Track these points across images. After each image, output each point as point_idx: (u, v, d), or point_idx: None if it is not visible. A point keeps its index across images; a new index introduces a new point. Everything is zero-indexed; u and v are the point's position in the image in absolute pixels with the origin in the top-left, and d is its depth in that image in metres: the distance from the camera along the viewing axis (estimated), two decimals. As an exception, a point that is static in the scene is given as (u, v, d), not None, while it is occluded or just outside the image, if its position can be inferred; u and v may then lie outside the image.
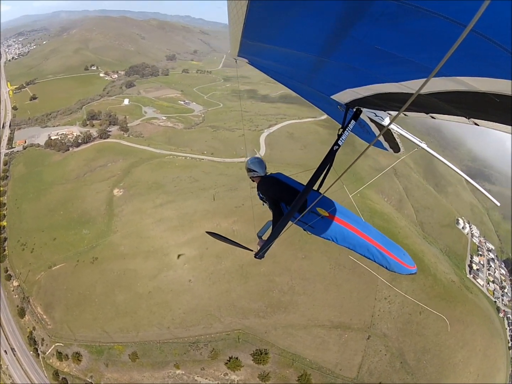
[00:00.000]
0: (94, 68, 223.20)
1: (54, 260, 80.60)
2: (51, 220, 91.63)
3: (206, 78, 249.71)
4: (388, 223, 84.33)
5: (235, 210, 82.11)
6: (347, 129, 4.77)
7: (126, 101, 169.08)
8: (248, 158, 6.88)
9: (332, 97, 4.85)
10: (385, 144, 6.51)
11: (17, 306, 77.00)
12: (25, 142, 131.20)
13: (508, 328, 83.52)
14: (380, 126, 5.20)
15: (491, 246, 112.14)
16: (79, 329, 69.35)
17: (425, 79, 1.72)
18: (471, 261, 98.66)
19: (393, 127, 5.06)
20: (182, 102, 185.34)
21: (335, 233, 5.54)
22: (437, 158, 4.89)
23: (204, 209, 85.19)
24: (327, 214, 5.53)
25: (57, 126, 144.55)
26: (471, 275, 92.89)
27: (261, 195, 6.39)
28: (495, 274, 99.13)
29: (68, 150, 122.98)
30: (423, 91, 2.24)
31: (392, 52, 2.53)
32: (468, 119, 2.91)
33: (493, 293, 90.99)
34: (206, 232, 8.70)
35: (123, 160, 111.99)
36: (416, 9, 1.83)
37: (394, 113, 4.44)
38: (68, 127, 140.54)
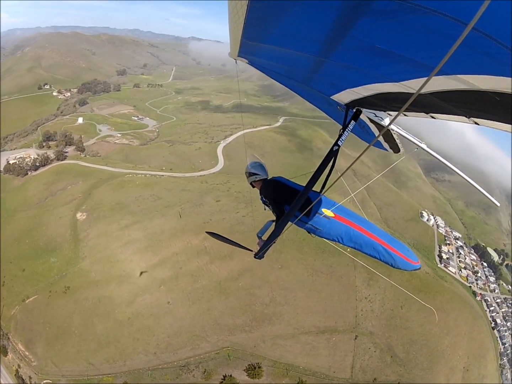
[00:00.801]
0: (47, 87, 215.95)
1: (26, 292, 75.79)
2: (17, 250, 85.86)
3: (158, 91, 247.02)
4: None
5: (204, 226, 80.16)
6: (347, 130, 4.77)
7: (80, 120, 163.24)
8: (248, 163, 6.70)
9: (332, 97, 4.83)
10: (385, 145, 6.44)
11: (-2, 344, 72.46)
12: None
13: (487, 310, 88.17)
14: (379, 127, 5.19)
15: (457, 235, 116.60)
16: (64, 363, 65.37)
17: (426, 78, 1.73)
18: (440, 251, 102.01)
19: (392, 127, 4.94)
20: (136, 118, 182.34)
21: (341, 233, 5.55)
22: (437, 158, 4.77)
23: (171, 227, 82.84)
24: (333, 215, 5.54)
25: (14, 149, 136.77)
26: (442, 264, 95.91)
27: (264, 199, 6.28)
28: (465, 260, 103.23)
29: (27, 174, 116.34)
30: (423, 91, 2.17)
31: (393, 51, 2.48)
32: (469, 118, 2.88)
33: (467, 279, 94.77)
34: (206, 232, 8.64)
35: (83, 182, 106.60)
36: (416, 8, 1.83)
37: (394, 113, 4.40)
38: (25, 150, 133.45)
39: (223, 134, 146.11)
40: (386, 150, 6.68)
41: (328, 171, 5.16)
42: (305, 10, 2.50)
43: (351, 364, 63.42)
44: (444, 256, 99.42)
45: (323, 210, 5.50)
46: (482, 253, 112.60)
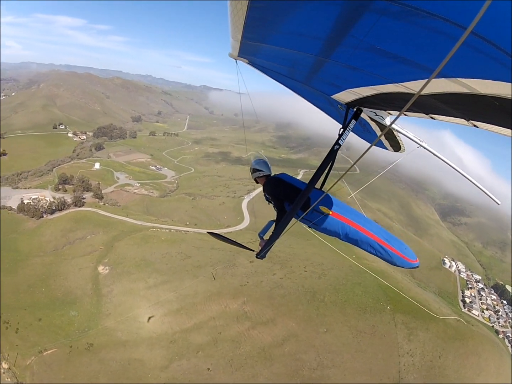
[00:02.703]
0: (62, 127, 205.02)
1: (43, 344, 66.34)
2: (32, 298, 76.24)
3: (174, 141, 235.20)
4: (389, 280, 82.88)
5: (241, 289, 73.75)
6: (347, 129, 4.56)
7: (97, 165, 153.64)
8: (252, 159, 6.24)
9: (332, 96, 4.57)
10: (386, 143, 6.04)
11: (13, 391, 62.14)
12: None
13: (509, 345, 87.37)
14: (380, 125, 4.94)
15: (478, 277, 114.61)
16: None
17: (426, 80, 1.71)
18: (463, 296, 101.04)
19: (393, 126, 4.50)
20: (154, 167, 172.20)
21: (338, 230, 5.30)
22: (439, 158, 4.33)
23: (206, 289, 74.89)
24: (331, 213, 5.28)
25: (28, 188, 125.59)
26: (466, 309, 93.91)
27: (267, 196, 5.99)
28: (487, 301, 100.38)
29: (42, 217, 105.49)
30: (423, 92, 2.14)
31: (393, 52, 2.41)
32: (468, 121, 2.79)
33: (489, 319, 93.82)
34: (207, 232, 8.63)
35: (104, 233, 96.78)
36: (416, 11, 1.78)
37: (394, 112, 4.25)
38: (40, 191, 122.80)
39: (245, 188, 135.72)
40: (387, 149, 6.29)
41: (327, 170, 4.94)
42: (305, 11, 2.38)
43: (400, 416, 60.44)
44: (468, 300, 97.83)
45: (321, 208, 5.23)
46: (501, 292, 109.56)
